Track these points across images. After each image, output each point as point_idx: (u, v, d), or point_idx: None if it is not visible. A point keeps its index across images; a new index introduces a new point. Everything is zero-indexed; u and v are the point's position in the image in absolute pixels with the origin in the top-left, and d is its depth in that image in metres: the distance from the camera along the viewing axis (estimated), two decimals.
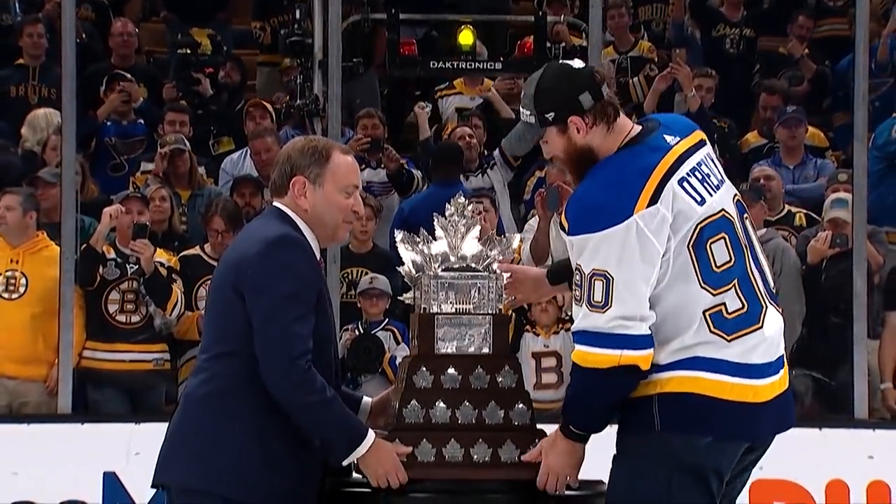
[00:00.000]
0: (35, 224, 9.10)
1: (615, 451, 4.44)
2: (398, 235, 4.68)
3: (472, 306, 4.58)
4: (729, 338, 4.39)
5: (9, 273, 8.97)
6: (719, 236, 4.43)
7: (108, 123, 10.84)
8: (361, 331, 9.17)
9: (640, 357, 4.31)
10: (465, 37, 9.58)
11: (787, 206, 10.15)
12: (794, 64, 11.99)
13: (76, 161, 9.13)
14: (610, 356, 4.30)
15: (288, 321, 4.37)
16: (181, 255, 9.35)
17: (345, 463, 4.46)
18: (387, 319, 9.24)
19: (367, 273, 9.41)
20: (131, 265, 9.06)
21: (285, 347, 4.36)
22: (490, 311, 4.59)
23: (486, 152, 10.76)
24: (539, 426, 4.57)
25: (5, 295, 8.96)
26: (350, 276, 9.52)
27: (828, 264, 9.25)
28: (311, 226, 4.56)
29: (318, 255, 4.60)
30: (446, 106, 11.48)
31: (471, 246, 4.65)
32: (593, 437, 4.54)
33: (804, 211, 10.08)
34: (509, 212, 10.51)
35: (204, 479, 4.44)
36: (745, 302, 4.43)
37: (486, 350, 4.56)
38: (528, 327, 9.09)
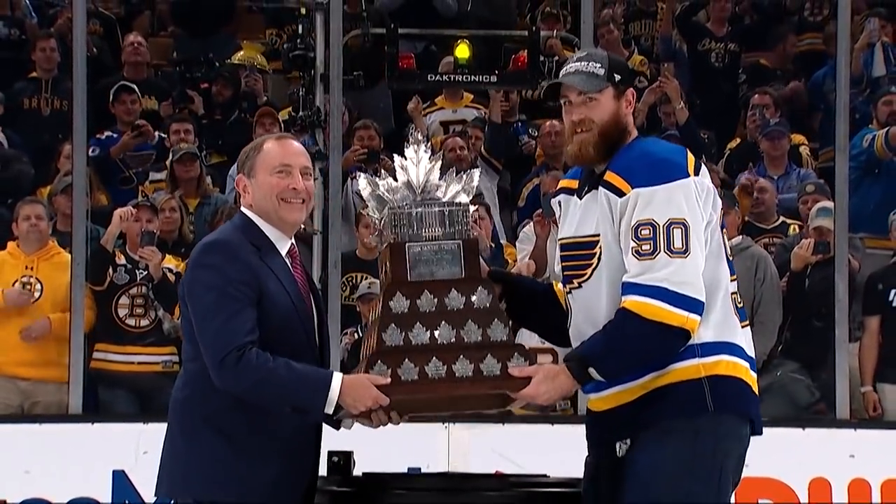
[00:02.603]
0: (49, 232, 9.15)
1: (652, 432, 4.31)
2: (361, 180, 4.56)
3: (440, 233, 4.46)
4: (742, 323, 4.42)
5: (24, 279, 8.97)
6: (723, 230, 4.47)
7: (116, 136, 10.78)
8: (361, 334, 9.15)
9: (697, 322, 4.27)
10: (462, 51, 9.57)
11: (781, 217, 10.12)
12: (784, 81, 12.00)
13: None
14: (679, 316, 4.23)
15: (219, 320, 4.31)
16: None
17: (328, 411, 4.32)
18: None
19: (367, 278, 9.39)
20: (141, 271, 9.07)
21: (217, 345, 4.31)
22: (460, 237, 4.46)
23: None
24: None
25: (21, 299, 8.96)
26: (353, 281, 9.51)
27: (812, 271, 9.25)
28: (263, 217, 4.50)
29: (285, 248, 4.52)
30: (430, 122, 11.46)
31: (432, 182, 4.53)
32: (579, 437, 4.50)
33: (798, 223, 10.07)
34: (499, 218, 10.48)
35: (185, 488, 4.41)
36: (741, 297, 4.45)
37: (458, 274, 4.44)
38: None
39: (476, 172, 4.62)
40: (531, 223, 9.71)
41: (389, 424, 4.42)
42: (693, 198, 4.30)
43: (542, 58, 9.73)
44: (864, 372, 9.19)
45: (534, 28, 10.04)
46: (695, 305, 4.25)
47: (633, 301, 4.25)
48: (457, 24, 11.24)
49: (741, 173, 10.65)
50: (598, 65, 4.43)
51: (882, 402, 9.17)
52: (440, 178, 4.53)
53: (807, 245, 9.25)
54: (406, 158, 4.53)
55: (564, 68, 4.49)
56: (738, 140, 11.40)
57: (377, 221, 4.54)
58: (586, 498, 4.49)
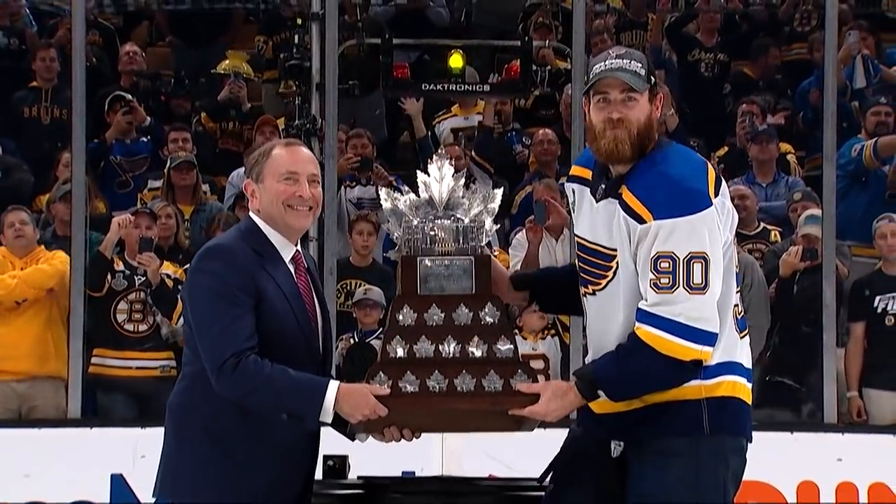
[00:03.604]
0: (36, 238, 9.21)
1: (654, 452, 4.28)
2: (382, 193, 4.49)
3: (454, 249, 4.38)
4: (741, 334, 4.37)
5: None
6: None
7: (114, 142, 10.84)
8: (356, 339, 9.15)
9: (710, 353, 4.22)
10: (456, 60, 9.58)
11: (761, 223, 10.14)
12: (773, 90, 12.03)
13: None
14: (693, 350, 4.18)
15: (218, 326, 4.29)
16: (186, 267, 9.34)
17: (324, 420, 4.27)
18: (380, 329, 9.21)
19: (362, 285, 9.39)
20: (139, 277, 9.07)
21: (216, 351, 4.28)
22: (473, 253, 4.39)
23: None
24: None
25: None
26: (348, 288, 9.51)
27: (801, 277, 9.25)
28: (269, 223, 4.47)
29: (289, 254, 4.48)
30: (442, 129, 11.48)
31: (455, 200, 4.45)
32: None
33: (779, 228, 10.09)
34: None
35: (174, 491, 4.40)
36: (742, 307, 4.42)
37: (469, 290, 4.36)
38: (515, 332, 8.99)
39: (499, 193, 4.51)
40: (524, 230, 9.72)
41: (402, 440, 4.38)
42: (714, 227, 4.22)
43: (534, 67, 9.75)
44: (850, 377, 9.19)
45: (526, 38, 10.04)
46: (709, 338, 4.20)
47: (648, 332, 4.19)
48: (451, 34, 11.25)
49: (730, 180, 10.67)
50: (640, 64, 4.30)
51: (867, 407, 9.17)
52: (462, 196, 4.45)
53: (795, 252, 9.26)
54: (429, 175, 4.46)
55: (604, 63, 4.31)
56: (727, 148, 11.40)
57: (395, 237, 4.45)
58: (564, 467, 4.47)
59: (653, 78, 4.34)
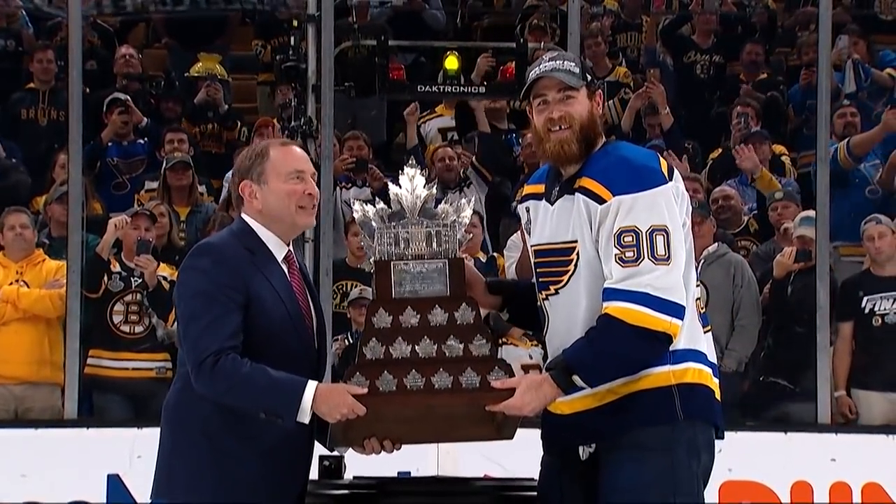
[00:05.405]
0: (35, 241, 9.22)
1: (627, 448, 4.27)
2: (355, 205, 4.49)
3: (427, 252, 4.39)
4: (704, 329, 4.38)
5: (14, 286, 8.96)
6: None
7: (110, 144, 10.84)
8: (351, 340, 9.14)
9: (679, 327, 4.23)
10: (451, 62, 9.58)
11: (743, 217, 10.21)
12: (764, 90, 12.04)
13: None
14: (663, 320, 4.19)
15: (200, 324, 4.28)
16: None
17: (302, 419, 4.24)
18: None
19: (358, 286, 9.39)
20: (135, 278, 9.07)
21: (197, 349, 4.27)
22: (446, 256, 4.39)
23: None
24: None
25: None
26: (343, 289, 9.50)
27: (794, 278, 9.24)
28: (269, 224, 4.46)
29: (282, 254, 4.47)
30: (428, 129, 11.47)
31: (427, 210, 4.44)
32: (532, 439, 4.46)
33: (750, 215, 10.13)
34: (486, 228, 10.47)
35: (169, 490, 4.39)
36: (704, 304, 4.42)
37: (443, 292, 4.36)
38: (502, 340, 8.97)
39: (469, 207, 4.50)
40: (519, 231, 9.71)
41: (383, 452, 4.36)
42: (672, 203, 4.27)
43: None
44: (838, 377, 9.18)
45: (522, 40, 10.05)
46: (677, 310, 4.22)
47: (616, 307, 4.20)
48: (446, 37, 11.26)
49: (725, 181, 10.68)
50: (573, 63, 4.39)
51: (857, 407, 9.16)
52: (436, 206, 4.44)
53: (789, 253, 9.25)
54: (401, 187, 4.45)
55: (538, 67, 4.40)
56: (721, 150, 11.42)
57: (367, 247, 4.44)
58: (546, 498, 4.44)
59: (588, 76, 4.41)
